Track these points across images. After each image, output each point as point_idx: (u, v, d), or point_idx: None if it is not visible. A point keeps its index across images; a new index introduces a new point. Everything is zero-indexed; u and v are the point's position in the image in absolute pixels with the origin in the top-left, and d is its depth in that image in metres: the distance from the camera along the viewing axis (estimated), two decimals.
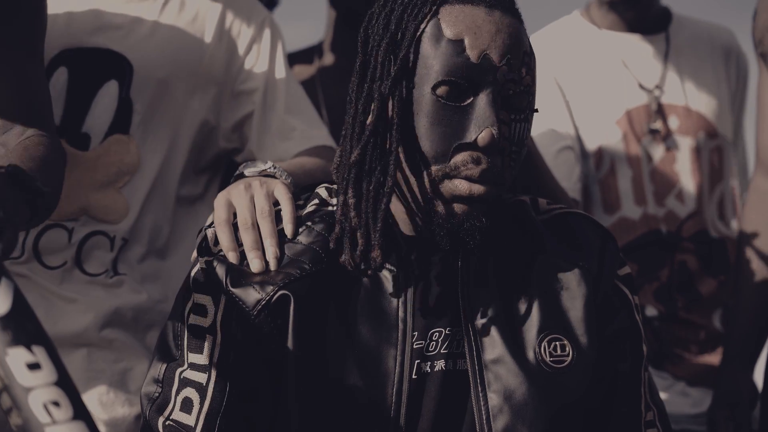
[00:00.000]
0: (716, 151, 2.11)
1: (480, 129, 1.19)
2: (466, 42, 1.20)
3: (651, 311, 2.02)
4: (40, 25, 1.48)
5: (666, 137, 2.09)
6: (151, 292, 1.70)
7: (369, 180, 1.24)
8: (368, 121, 1.24)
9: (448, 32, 1.21)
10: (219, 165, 1.83)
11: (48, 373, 0.95)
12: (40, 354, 0.96)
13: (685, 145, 2.09)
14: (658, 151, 2.08)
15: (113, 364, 1.65)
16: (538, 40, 2.08)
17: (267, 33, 1.80)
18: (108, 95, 1.67)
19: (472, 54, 1.20)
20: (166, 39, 1.72)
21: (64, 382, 0.96)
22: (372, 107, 1.23)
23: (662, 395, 1.93)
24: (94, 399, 1.62)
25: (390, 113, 1.23)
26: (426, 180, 1.23)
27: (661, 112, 2.10)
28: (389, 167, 1.23)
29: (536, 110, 1.27)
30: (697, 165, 2.08)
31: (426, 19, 1.22)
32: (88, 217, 1.66)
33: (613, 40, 2.15)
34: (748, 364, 1.90)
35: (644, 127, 2.09)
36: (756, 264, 1.89)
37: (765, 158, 1.92)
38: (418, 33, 1.23)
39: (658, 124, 2.09)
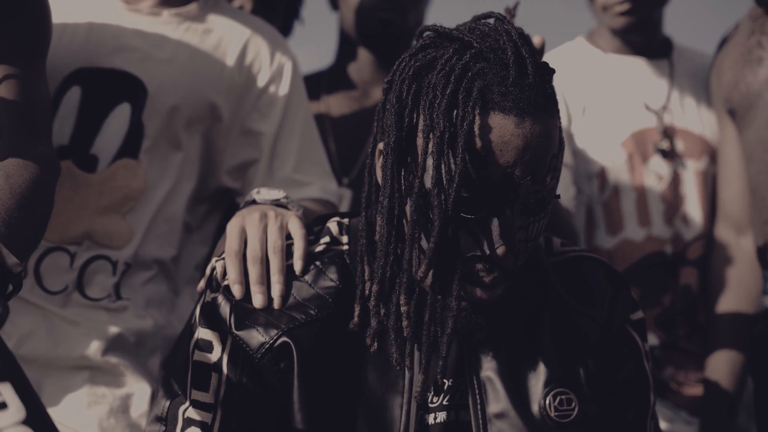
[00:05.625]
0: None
1: (497, 245, 1.16)
2: (491, 157, 1.13)
3: (652, 339, 2.01)
4: (42, 33, 1.46)
5: (672, 159, 2.08)
6: (156, 317, 1.68)
7: (433, 297, 1.21)
8: (410, 219, 1.19)
9: (476, 141, 1.14)
10: (218, 201, 1.81)
11: (15, 411, 0.94)
12: (6, 392, 0.95)
13: (692, 167, 2.08)
14: (664, 173, 2.08)
15: (115, 389, 1.63)
16: None
17: (288, 75, 1.77)
18: (120, 117, 1.65)
19: (495, 171, 1.14)
20: (183, 66, 1.69)
21: (34, 418, 0.95)
22: (434, 223, 1.16)
23: (667, 424, 1.94)
24: (95, 424, 1.61)
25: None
26: (438, 278, 1.20)
27: (668, 133, 2.09)
28: (455, 290, 1.19)
29: (558, 196, 1.23)
30: (704, 188, 2.08)
31: (470, 129, 1.14)
32: (91, 242, 1.64)
33: (620, 63, 2.15)
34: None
35: (650, 149, 2.08)
36: (729, 325, 1.92)
37: (729, 211, 1.95)
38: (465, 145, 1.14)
39: (665, 144, 2.08)
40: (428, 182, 1.16)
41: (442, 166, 1.14)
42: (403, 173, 1.20)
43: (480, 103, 1.13)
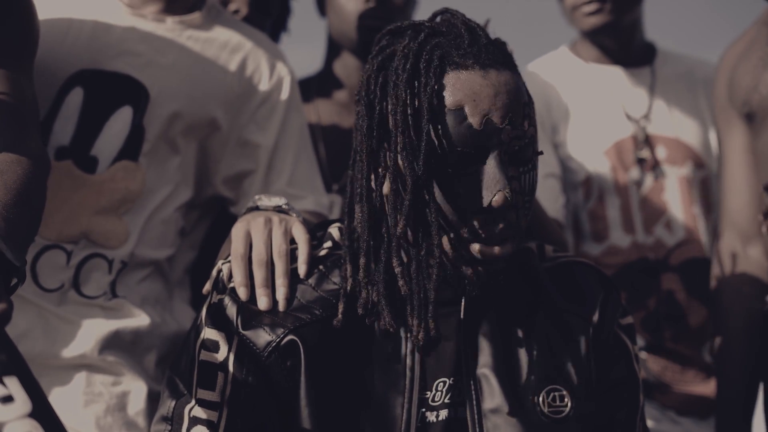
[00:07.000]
0: (704, 182, 2.15)
1: (492, 193, 1.20)
2: (467, 110, 1.20)
3: (638, 341, 2.05)
4: (29, 35, 1.48)
5: (654, 167, 2.12)
6: (152, 315, 1.70)
7: (416, 251, 1.24)
8: (385, 189, 1.25)
9: (448, 101, 1.20)
10: (210, 208, 1.83)
11: (21, 405, 0.95)
12: (12, 386, 0.96)
13: (674, 174, 2.12)
14: (646, 181, 2.12)
15: (111, 387, 1.64)
16: (527, 73, 2.11)
17: (286, 88, 1.80)
18: (121, 120, 1.67)
19: (474, 121, 1.20)
20: (185, 73, 1.72)
21: (39, 411, 0.96)
22: (407, 182, 1.21)
23: (654, 424, 1.97)
24: (92, 422, 1.62)
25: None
26: (442, 246, 1.23)
27: (648, 142, 2.13)
28: (435, 239, 1.22)
29: (540, 152, 1.28)
30: (687, 194, 2.12)
31: (433, 92, 1.21)
32: (87, 241, 1.66)
33: (600, 73, 2.19)
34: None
35: (632, 158, 2.12)
36: (740, 333, 1.90)
37: (737, 221, 1.95)
38: (428, 107, 1.21)
39: (644, 153, 2.12)
40: (402, 154, 1.21)
41: (411, 132, 1.20)
42: (376, 164, 1.25)
43: (441, 67, 1.21)
